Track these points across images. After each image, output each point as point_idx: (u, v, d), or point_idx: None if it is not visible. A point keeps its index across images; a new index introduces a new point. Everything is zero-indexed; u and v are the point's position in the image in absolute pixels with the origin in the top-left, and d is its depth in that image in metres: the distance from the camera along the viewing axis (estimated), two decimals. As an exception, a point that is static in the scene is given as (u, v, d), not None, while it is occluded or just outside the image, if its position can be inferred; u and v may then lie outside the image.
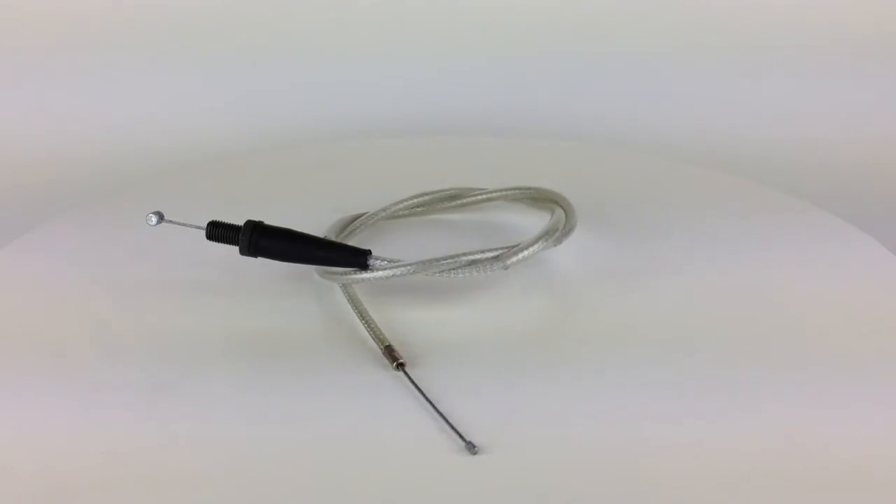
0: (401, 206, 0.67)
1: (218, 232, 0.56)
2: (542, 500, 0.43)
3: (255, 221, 0.56)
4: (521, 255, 0.56)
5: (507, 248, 0.57)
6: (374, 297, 0.58)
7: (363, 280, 0.56)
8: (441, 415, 0.48)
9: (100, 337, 0.54)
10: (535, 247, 0.57)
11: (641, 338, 0.55)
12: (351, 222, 0.65)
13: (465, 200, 0.68)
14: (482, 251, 0.56)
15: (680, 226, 0.68)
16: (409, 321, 0.56)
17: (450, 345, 0.54)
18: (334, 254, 0.56)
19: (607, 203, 0.70)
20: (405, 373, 0.51)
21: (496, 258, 0.56)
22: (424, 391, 0.50)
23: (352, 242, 0.64)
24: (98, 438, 0.46)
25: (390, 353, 0.52)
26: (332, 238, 0.61)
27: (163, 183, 0.76)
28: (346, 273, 0.56)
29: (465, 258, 0.56)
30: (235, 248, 0.56)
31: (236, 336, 0.55)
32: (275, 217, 0.57)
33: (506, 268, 0.56)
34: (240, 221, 0.56)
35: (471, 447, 0.46)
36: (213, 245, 0.56)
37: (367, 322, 0.55)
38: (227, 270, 0.59)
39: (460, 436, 0.47)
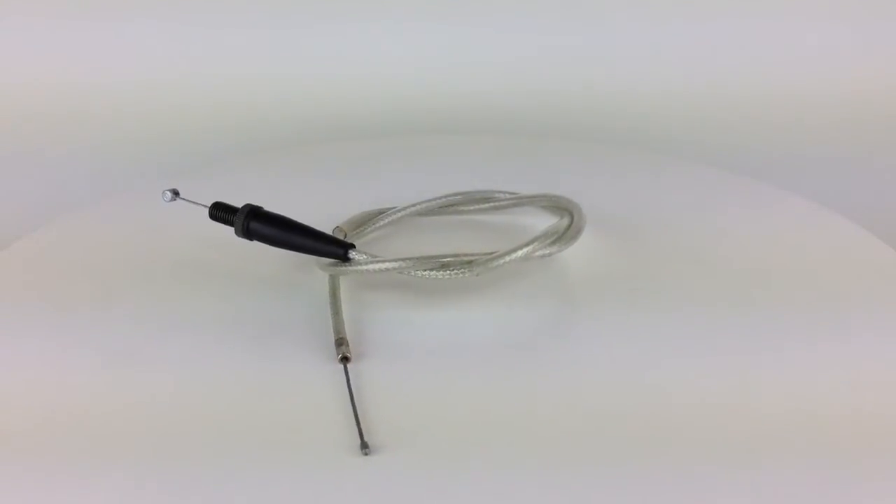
0: (429, 204, 0.67)
1: (219, 213, 0.60)
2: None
3: (252, 206, 0.59)
4: (493, 264, 0.55)
5: (484, 254, 0.56)
6: (364, 291, 0.59)
7: (345, 272, 0.58)
8: (354, 412, 0.48)
9: (91, 301, 0.59)
10: (512, 256, 0.56)
11: (612, 350, 0.54)
12: (376, 215, 0.66)
13: (493, 204, 0.68)
14: (456, 255, 0.56)
15: (705, 249, 0.64)
16: (382, 318, 0.57)
17: (410, 346, 0.54)
18: (319, 244, 0.58)
19: (633, 212, 0.68)
20: (344, 367, 0.52)
21: (469, 263, 0.56)
22: (357, 388, 0.50)
23: (374, 235, 0.66)
24: (45, 392, 0.51)
25: (339, 346, 0.53)
26: (347, 230, 0.63)
27: (204, 174, 0.81)
28: (333, 264, 0.58)
29: (438, 260, 0.56)
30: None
31: (216, 313, 0.58)
32: (311, 208, 0.60)
33: (477, 275, 0.55)
34: (281, 210, 0.59)
35: (364, 447, 0.46)
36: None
37: (334, 313, 0.56)
38: (241, 254, 0.61)
39: (360, 435, 0.47)
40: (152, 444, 0.47)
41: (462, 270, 0.55)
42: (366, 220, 0.66)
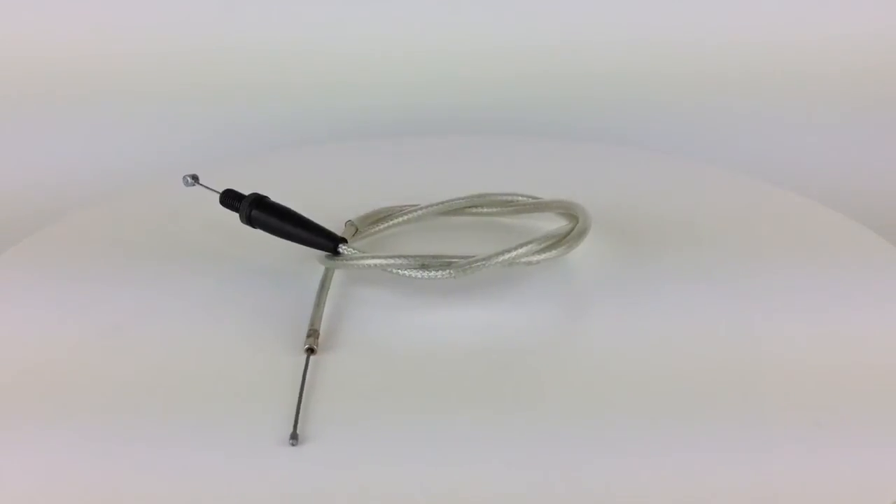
0: (446, 205, 0.66)
1: (228, 200, 0.61)
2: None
3: (258, 195, 0.61)
4: (471, 267, 0.55)
5: (464, 257, 0.55)
6: (358, 287, 0.60)
7: (336, 266, 0.58)
8: (298, 402, 0.49)
9: (101, 276, 0.62)
10: (493, 261, 0.55)
11: (583, 356, 0.53)
12: (396, 212, 0.66)
13: (512, 207, 0.66)
14: (436, 256, 0.55)
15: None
16: (365, 315, 0.57)
17: (382, 344, 0.55)
18: (312, 235, 0.58)
19: (638, 216, 0.67)
20: (307, 357, 0.52)
21: (449, 265, 0.55)
22: (316, 380, 0.51)
23: (390, 232, 0.66)
24: (28, 352, 0.55)
25: (308, 336, 0.53)
26: (359, 225, 0.64)
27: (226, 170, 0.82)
28: (328, 257, 0.59)
29: (419, 260, 0.55)
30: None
31: (211, 295, 0.60)
32: (334, 202, 0.63)
33: (454, 277, 0.55)
34: (302, 202, 0.61)
35: (292, 437, 0.46)
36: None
37: (316, 304, 0.56)
38: (252, 242, 0.62)
39: (295, 425, 0.47)
40: (101, 405, 0.50)
41: (440, 271, 0.55)
42: (381, 217, 0.66)
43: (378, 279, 0.59)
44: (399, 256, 0.56)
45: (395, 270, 0.56)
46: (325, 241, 0.58)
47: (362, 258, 0.57)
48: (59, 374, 0.53)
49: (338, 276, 0.60)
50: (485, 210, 0.66)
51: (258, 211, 0.60)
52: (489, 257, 0.55)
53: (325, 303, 0.57)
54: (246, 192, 0.61)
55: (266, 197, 0.61)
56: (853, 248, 0.63)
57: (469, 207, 0.66)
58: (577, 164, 0.78)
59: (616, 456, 0.45)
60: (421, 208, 0.66)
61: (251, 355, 0.54)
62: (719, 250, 0.63)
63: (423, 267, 0.55)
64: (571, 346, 0.55)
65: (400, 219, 0.66)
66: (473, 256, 0.55)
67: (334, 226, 0.62)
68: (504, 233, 0.66)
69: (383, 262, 0.56)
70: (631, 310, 0.57)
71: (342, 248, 0.58)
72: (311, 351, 0.53)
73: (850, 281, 0.59)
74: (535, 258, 0.56)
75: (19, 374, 0.53)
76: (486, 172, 0.75)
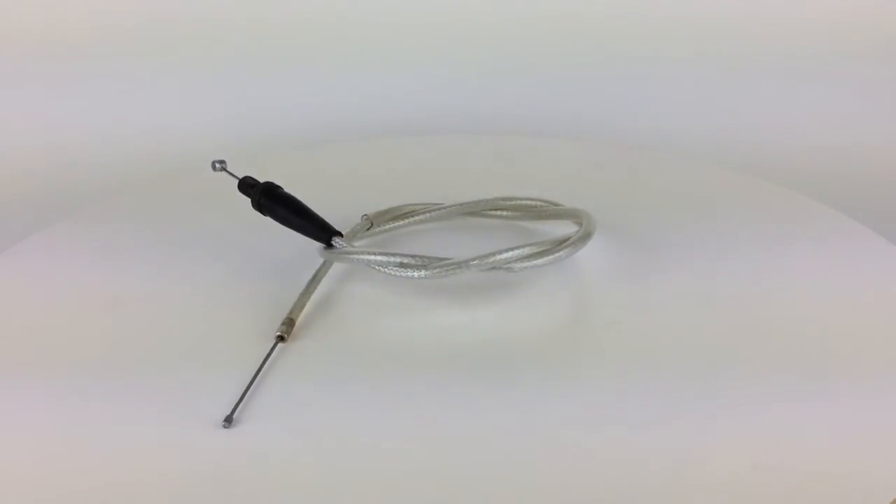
0: (465, 206, 0.66)
1: (245, 188, 0.63)
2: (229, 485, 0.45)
3: (270, 184, 0.62)
4: (445, 270, 0.54)
5: (441, 258, 0.55)
6: (355, 283, 0.61)
7: (330, 259, 0.59)
8: (247, 387, 0.50)
9: (124, 256, 0.65)
10: (473, 265, 0.54)
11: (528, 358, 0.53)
12: (416, 210, 0.66)
13: (526, 212, 0.65)
14: (416, 256, 0.55)
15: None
16: (350, 311, 0.58)
17: (357, 342, 0.55)
18: (310, 226, 0.59)
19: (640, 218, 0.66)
20: (273, 345, 0.53)
21: (425, 266, 0.54)
22: (278, 368, 0.52)
23: (408, 230, 0.66)
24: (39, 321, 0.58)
25: (282, 325, 0.54)
26: (374, 220, 0.65)
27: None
28: (325, 250, 0.59)
29: (397, 258, 0.55)
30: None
31: (211, 279, 0.62)
32: (359, 197, 0.66)
33: (428, 278, 0.54)
34: (346, 199, 0.63)
35: (227, 420, 0.47)
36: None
37: (301, 295, 0.57)
38: (268, 231, 0.63)
39: (234, 408, 0.48)
40: (67, 371, 0.53)
41: (416, 272, 0.55)
42: (400, 214, 0.66)
43: (376, 276, 0.59)
44: (383, 253, 0.56)
45: (377, 267, 0.56)
46: (321, 232, 0.59)
47: (351, 253, 0.57)
48: (42, 339, 0.56)
49: (341, 270, 0.61)
50: (504, 213, 0.66)
51: (266, 199, 0.61)
52: (465, 261, 0.54)
53: (311, 294, 0.57)
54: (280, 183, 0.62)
55: (279, 187, 0.62)
56: (853, 246, 0.63)
57: (487, 210, 0.65)
58: (594, 167, 0.77)
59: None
60: (440, 208, 0.66)
61: (227, 338, 0.55)
62: (719, 249, 0.63)
63: (402, 266, 0.55)
64: (551, 347, 0.54)
65: (417, 217, 0.66)
66: (450, 259, 0.54)
67: (355, 220, 0.63)
68: (514, 236, 0.64)
69: (369, 257, 0.56)
70: (627, 310, 0.56)
71: (335, 242, 0.58)
72: (280, 339, 0.53)
73: (851, 280, 0.59)
74: (516, 265, 0.55)
75: (10, 335, 0.56)
76: (514, 174, 0.75)
